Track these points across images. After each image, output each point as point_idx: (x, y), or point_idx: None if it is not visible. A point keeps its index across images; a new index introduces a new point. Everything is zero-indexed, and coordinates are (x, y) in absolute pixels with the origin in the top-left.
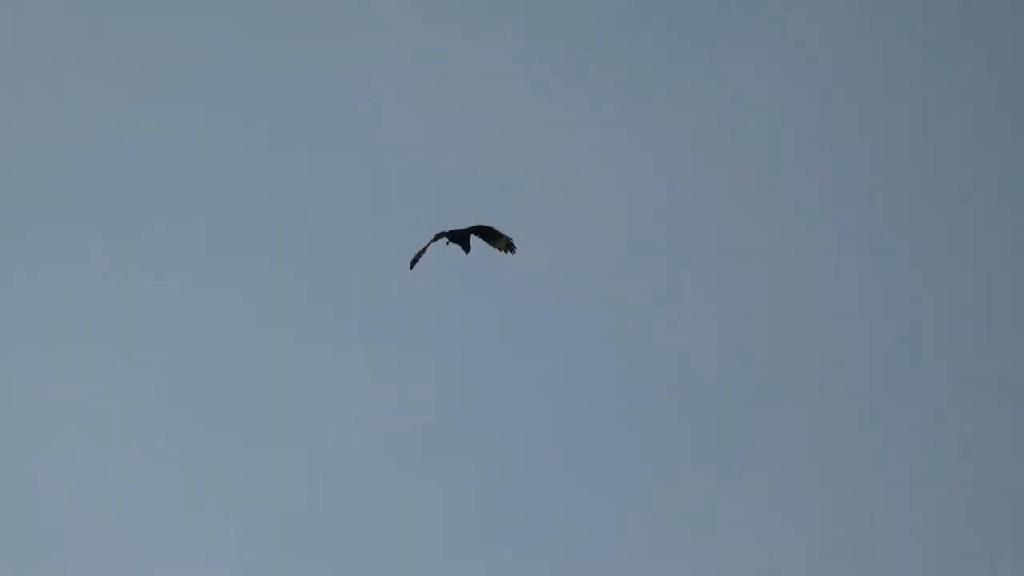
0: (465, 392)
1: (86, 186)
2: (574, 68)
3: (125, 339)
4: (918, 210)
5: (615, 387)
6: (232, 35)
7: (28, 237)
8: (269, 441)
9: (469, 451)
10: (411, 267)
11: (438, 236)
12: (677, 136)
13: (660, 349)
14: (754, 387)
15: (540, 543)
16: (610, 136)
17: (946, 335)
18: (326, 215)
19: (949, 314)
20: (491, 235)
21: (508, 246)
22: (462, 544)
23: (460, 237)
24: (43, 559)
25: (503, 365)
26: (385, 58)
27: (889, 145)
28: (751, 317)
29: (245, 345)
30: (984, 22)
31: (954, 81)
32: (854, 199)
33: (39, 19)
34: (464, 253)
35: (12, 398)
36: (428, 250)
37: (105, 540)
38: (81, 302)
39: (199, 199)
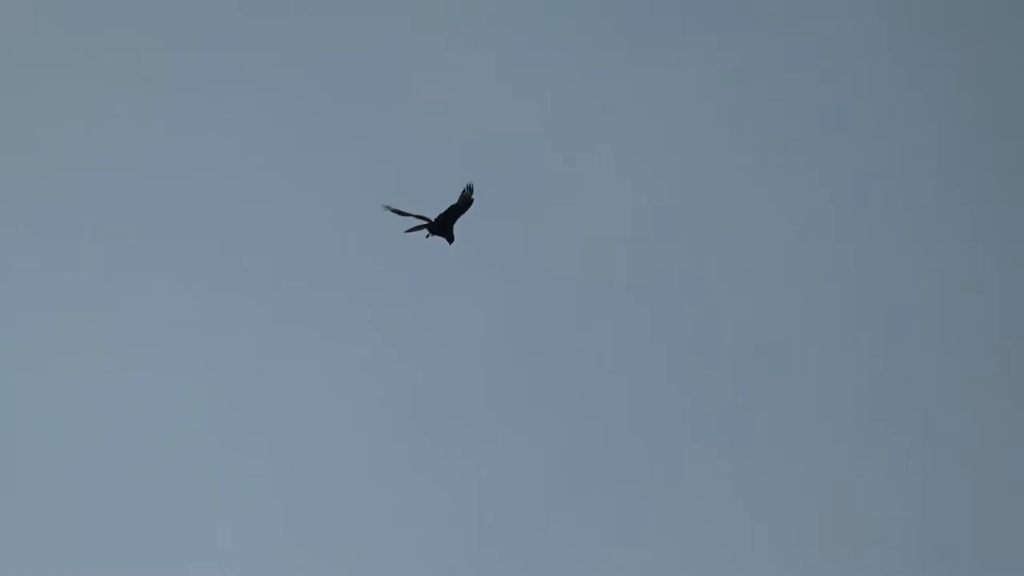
0: (476, 387)
1: (119, 187)
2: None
3: (160, 340)
4: (930, 207)
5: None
6: (241, 28)
7: (53, 240)
8: (298, 441)
9: (477, 446)
10: (394, 211)
11: (424, 226)
12: (693, 129)
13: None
14: (772, 381)
15: (547, 541)
16: (627, 129)
17: (950, 332)
18: (338, 205)
19: (956, 310)
20: (458, 210)
21: (467, 196)
22: (468, 542)
23: (440, 228)
24: (76, 558)
25: (514, 358)
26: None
27: (913, 139)
28: (773, 310)
29: (276, 344)
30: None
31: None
32: (871, 196)
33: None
34: (448, 244)
35: (47, 398)
36: (411, 222)
37: (137, 540)
38: (112, 302)
39: (212, 197)
